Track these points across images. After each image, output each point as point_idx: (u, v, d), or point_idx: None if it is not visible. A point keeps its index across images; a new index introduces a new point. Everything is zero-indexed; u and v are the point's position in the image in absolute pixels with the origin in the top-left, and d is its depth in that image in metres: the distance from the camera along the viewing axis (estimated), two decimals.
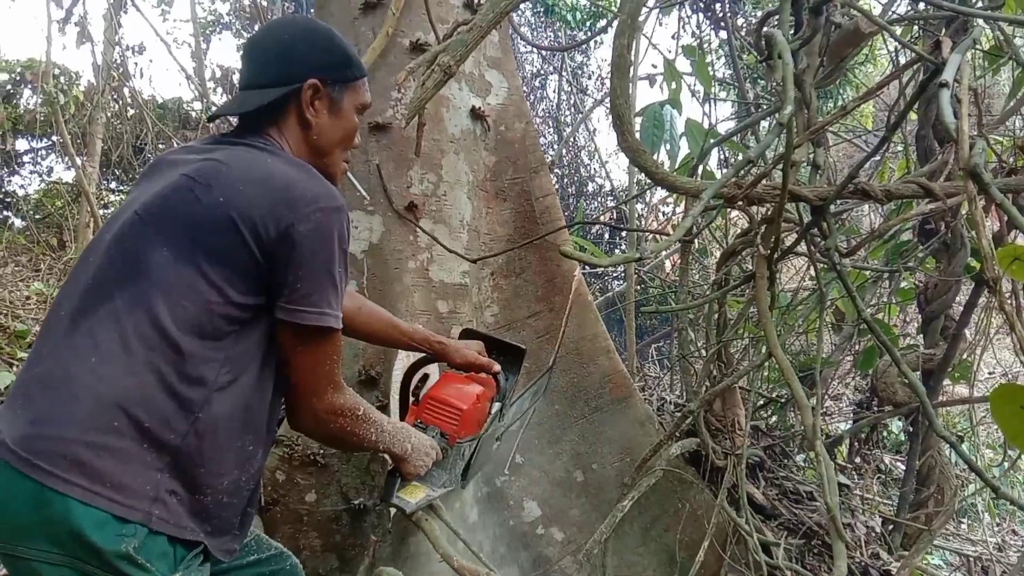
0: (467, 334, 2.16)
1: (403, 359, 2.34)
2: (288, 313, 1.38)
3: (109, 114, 9.31)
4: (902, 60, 3.31)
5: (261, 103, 1.51)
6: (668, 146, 2.88)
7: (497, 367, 1.99)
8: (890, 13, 2.84)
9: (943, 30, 2.49)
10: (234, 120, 1.61)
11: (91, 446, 1.24)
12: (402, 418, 1.99)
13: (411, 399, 2.01)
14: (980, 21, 2.14)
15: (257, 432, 1.46)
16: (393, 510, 2.23)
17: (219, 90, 10.75)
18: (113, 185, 10.63)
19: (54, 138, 9.74)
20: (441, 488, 1.82)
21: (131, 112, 10.03)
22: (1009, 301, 1.60)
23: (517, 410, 2.10)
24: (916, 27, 3.07)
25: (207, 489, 1.37)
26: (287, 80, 1.53)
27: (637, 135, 2.07)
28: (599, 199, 9.19)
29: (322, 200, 1.39)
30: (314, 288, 1.38)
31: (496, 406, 1.98)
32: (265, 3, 9.46)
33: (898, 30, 3.04)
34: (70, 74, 9.13)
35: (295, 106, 1.55)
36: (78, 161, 7.38)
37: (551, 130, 9.71)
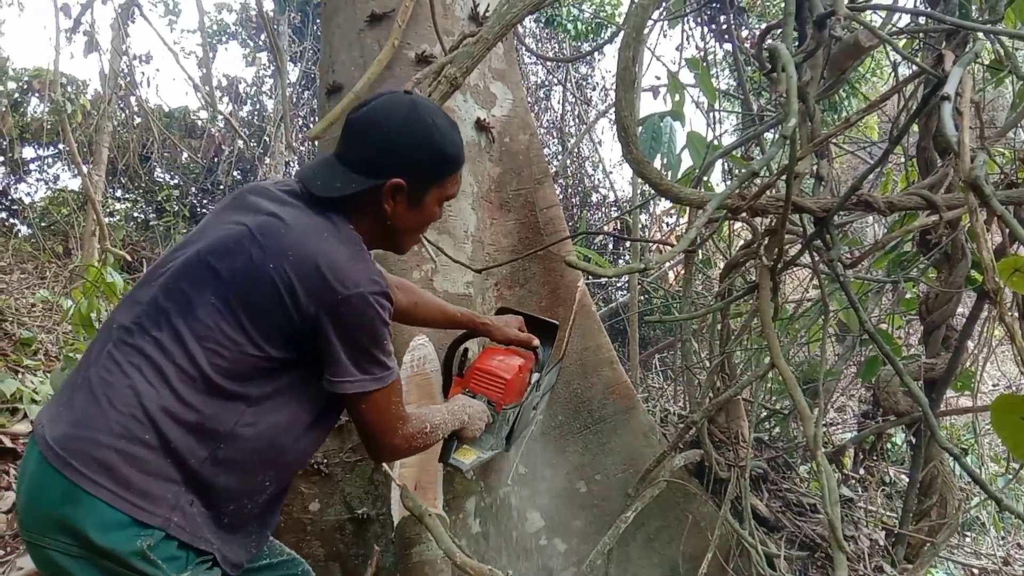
0: (504, 311, 2.28)
1: (412, 351, 2.43)
2: (332, 385, 1.48)
3: (116, 123, 9.37)
4: (903, 73, 3.33)
5: (343, 192, 1.53)
6: (665, 159, 2.89)
7: (536, 341, 2.15)
8: (890, 26, 2.84)
9: (943, 43, 2.50)
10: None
11: (121, 453, 1.35)
12: (446, 389, 2.18)
13: (455, 372, 2.17)
14: (981, 35, 2.15)
15: (280, 470, 1.56)
16: (396, 519, 2.27)
17: (225, 99, 10.82)
18: (119, 193, 10.69)
19: (61, 146, 9.81)
20: (489, 451, 1.98)
21: (137, 121, 10.11)
22: (1010, 312, 1.61)
23: (547, 383, 2.26)
24: (917, 41, 3.08)
25: (213, 509, 1.46)
26: (373, 173, 1.54)
27: None
28: (603, 210, 9.19)
29: (363, 285, 1.44)
30: (353, 362, 1.47)
31: (535, 376, 2.13)
32: (272, 14, 9.53)
33: (900, 43, 3.05)
34: (77, 83, 9.21)
35: (374, 196, 1.56)
36: (84, 169, 7.42)
37: (555, 141, 9.73)
